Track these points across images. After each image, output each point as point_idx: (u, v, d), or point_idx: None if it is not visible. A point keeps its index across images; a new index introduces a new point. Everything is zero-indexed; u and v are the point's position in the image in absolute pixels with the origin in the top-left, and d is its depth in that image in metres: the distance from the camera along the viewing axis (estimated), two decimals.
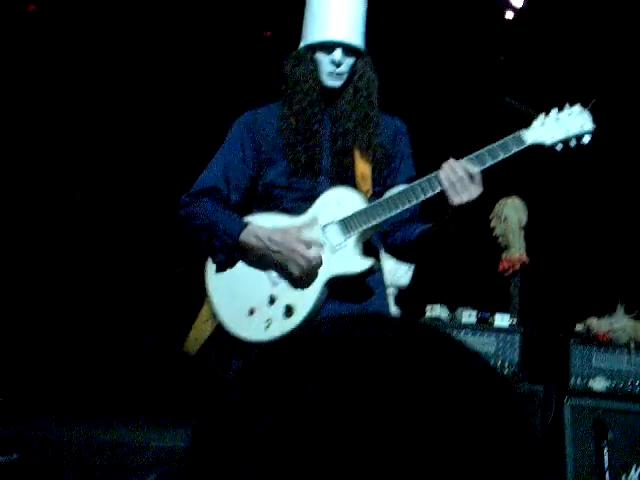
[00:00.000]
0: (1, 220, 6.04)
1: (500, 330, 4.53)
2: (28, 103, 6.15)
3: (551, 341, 4.60)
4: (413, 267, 4.87)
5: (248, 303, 2.58)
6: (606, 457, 4.02)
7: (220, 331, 2.61)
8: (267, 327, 2.54)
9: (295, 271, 2.53)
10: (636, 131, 5.74)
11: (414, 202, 2.51)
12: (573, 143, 2.48)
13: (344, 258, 2.56)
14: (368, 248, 2.64)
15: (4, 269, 6.04)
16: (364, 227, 2.54)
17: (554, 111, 2.49)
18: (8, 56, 5.94)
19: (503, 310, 4.70)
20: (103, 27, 6.09)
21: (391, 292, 4.91)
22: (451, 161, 2.44)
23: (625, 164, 5.71)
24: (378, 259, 2.67)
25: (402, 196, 2.52)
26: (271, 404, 0.72)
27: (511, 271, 4.86)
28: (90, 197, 6.34)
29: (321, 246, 2.57)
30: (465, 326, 4.55)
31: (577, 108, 2.49)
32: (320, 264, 2.54)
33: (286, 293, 2.56)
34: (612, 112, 5.75)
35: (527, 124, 2.47)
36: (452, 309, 4.73)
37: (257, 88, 2.80)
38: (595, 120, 2.46)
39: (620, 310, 4.51)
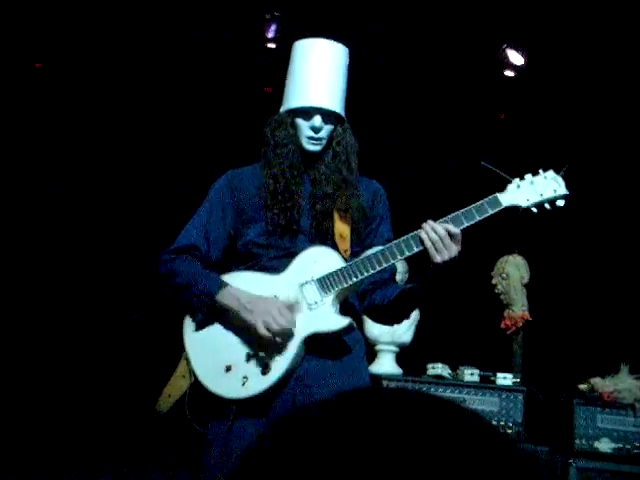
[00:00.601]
0: None
1: (503, 389, 4.47)
2: (27, 120, 6.18)
3: (555, 401, 4.53)
4: (414, 325, 4.84)
5: (225, 360, 2.58)
6: None
7: (197, 387, 2.59)
8: (244, 384, 2.54)
9: (265, 334, 2.53)
10: (637, 190, 5.76)
11: (391, 262, 2.56)
12: (547, 206, 2.58)
13: (321, 316, 2.58)
14: (346, 306, 2.66)
15: None
16: (342, 286, 2.57)
17: (528, 175, 2.58)
18: (8, 56, 5.97)
19: (505, 369, 4.65)
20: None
21: (392, 350, 4.87)
22: (430, 222, 2.50)
23: (627, 223, 5.71)
24: (356, 317, 2.69)
25: (380, 256, 2.56)
26: None
27: (513, 329, 4.82)
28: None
29: (298, 306, 2.59)
30: (468, 385, 4.49)
31: (550, 173, 2.59)
32: (292, 327, 2.55)
33: (263, 351, 2.57)
34: (614, 173, 5.79)
35: (502, 188, 2.55)
36: (454, 367, 4.68)
37: (250, 147, 2.84)
38: (569, 185, 2.56)
39: (624, 370, 4.47)
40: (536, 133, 5.94)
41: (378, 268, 2.56)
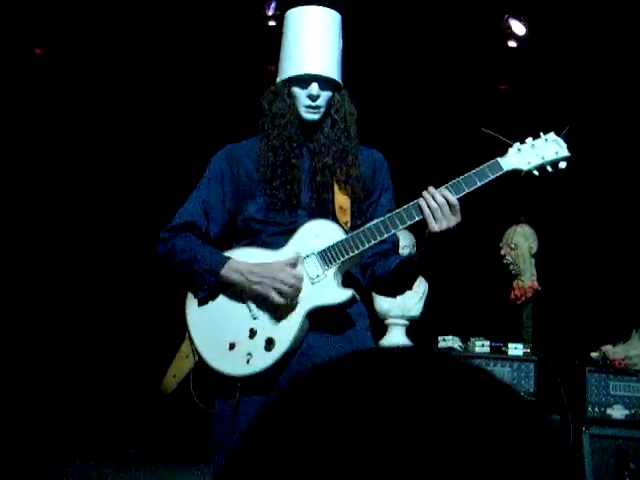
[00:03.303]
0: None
1: (514, 359, 4.48)
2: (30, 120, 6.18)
3: (566, 369, 4.54)
4: (424, 298, 4.84)
5: (228, 337, 2.56)
6: None
7: (201, 367, 2.58)
8: (248, 361, 2.52)
9: (280, 300, 2.51)
10: None
11: (392, 232, 2.53)
12: (549, 169, 2.56)
13: (323, 289, 2.56)
14: (349, 279, 2.64)
15: None
16: (343, 258, 2.55)
17: (529, 139, 2.56)
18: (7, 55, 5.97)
19: (516, 339, 4.65)
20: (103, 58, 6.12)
21: (402, 323, 4.87)
22: (430, 189, 2.47)
23: (636, 189, 5.68)
24: (359, 290, 2.66)
25: (380, 226, 2.53)
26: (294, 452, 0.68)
27: (523, 299, 4.81)
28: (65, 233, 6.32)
29: (300, 277, 2.56)
30: (479, 356, 4.49)
31: (551, 135, 2.57)
32: (299, 291, 2.54)
33: (266, 326, 2.55)
34: (621, 139, 5.76)
35: (503, 153, 2.53)
36: (464, 339, 4.68)
37: (249, 122, 2.81)
38: (570, 147, 2.54)
39: (635, 336, 4.46)
40: (539, 103, 5.90)
41: (379, 238, 2.53)
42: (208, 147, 2.90)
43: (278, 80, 2.70)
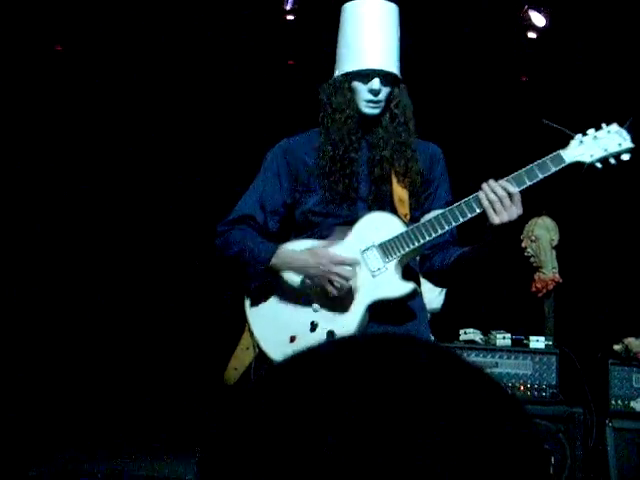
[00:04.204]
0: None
1: (536, 352, 4.45)
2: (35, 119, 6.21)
3: (589, 362, 4.51)
4: (445, 291, 4.82)
5: (289, 331, 2.57)
6: None
7: (262, 359, 2.59)
8: None
9: (333, 290, 2.52)
10: None
11: (452, 225, 2.52)
12: (612, 161, 2.51)
13: (385, 282, 2.55)
14: (408, 272, 2.62)
15: None
16: (404, 251, 2.54)
17: (591, 130, 2.52)
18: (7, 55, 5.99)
19: (538, 332, 4.62)
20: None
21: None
22: (490, 181, 2.45)
23: None
24: (418, 283, 2.65)
25: (441, 219, 2.52)
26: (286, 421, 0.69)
27: (544, 291, 4.78)
28: (125, 219, 6.35)
29: (358, 265, 2.55)
30: (501, 349, 4.47)
31: (614, 127, 2.53)
32: (350, 280, 2.52)
33: (328, 319, 2.55)
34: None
35: (563, 145, 2.50)
36: (486, 332, 4.66)
37: (291, 116, 2.81)
38: (634, 138, 2.50)
39: None
40: (559, 95, 5.87)
41: (440, 231, 2.52)
42: (230, 144, 2.91)
43: (337, 73, 2.68)
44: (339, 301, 2.54)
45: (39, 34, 5.95)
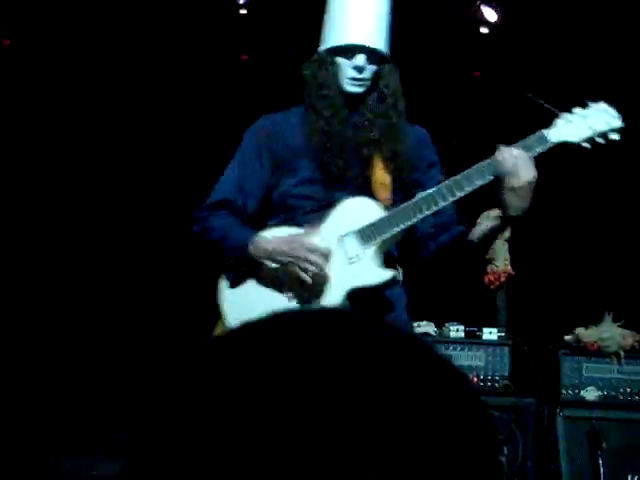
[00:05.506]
0: None
1: (489, 344, 4.50)
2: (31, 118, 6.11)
3: (540, 353, 4.57)
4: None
5: None
6: (601, 467, 3.99)
7: None
8: None
9: (305, 278, 2.43)
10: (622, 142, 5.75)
11: (440, 205, 2.39)
12: (601, 140, 2.40)
13: (363, 269, 2.45)
14: (389, 259, 2.53)
15: None
16: (383, 236, 2.43)
17: (578, 109, 2.40)
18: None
19: (490, 324, 4.67)
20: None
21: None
22: (502, 147, 2.34)
23: (609, 173, 5.72)
24: (396, 268, 2.56)
25: (421, 201, 2.40)
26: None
27: (497, 284, 4.83)
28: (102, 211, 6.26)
29: (335, 252, 2.45)
30: (454, 341, 4.51)
31: (602, 105, 2.40)
32: (324, 268, 2.44)
33: (303, 307, 2.47)
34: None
35: (547, 124, 2.39)
36: (439, 324, 4.70)
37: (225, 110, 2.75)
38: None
39: (608, 319, 4.50)
40: (511, 91, 5.92)
41: (426, 212, 2.40)
42: (181, 138, 2.86)
43: (321, 48, 2.55)
44: (315, 289, 2.46)
45: None
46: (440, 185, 2.41)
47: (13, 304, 5.87)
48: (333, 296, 2.45)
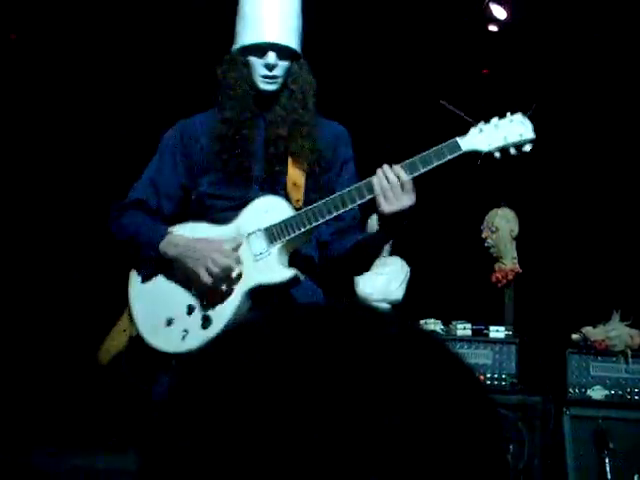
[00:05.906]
0: None
1: (496, 342, 4.50)
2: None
3: (547, 351, 4.57)
4: (406, 282, 4.84)
5: (167, 313, 2.54)
6: (608, 466, 3.98)
7: (135, 343, 2.56)
8: (183, 338, 2.49)
9: (208, 280, 2.48)
10: (629, 141, 5.74)
11: (342, 210, 2.46)
12: (513, 151, 2.43)
13: (266, 268, 2.50)
14: (303, 259, 2.59)
15: None
16: (288, 236, 2.49)
17: (494, 119, 2.45)
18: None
19: (497, 322, 4.67)
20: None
21: (384, 307, 4.88)
22: (385, 167, 2.39)
23: (617, 171, 5.70)
24: (312, 270, 2.61)
25: (330, 204, 2.46)
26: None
27: (504, 282, 4.83)
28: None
29: (241, 250, 2.51)
30: (461, 339, 4.51)
31: (518, 116, 2.45)
32: (231, 272, 2.48)
33: (205, 304, 2.52)
34: (603, 119, 5.78)
35: (465, 131, 2.44)
36: (446, 322, 4.70)
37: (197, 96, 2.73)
38: (536, 129, 2.42)
39: (615, 318, 4.49)
40: (520, 88, 5.91)
41: (328, 217, 2.46)
42: (150, 125, 2.84)
43: (233, 48, 2.60)
44: (218, 286, 2.50)
45: None
46: (344, 191, 2.46)
47: (12, 304, 5.86)
48: (234, 294, 2.50)
